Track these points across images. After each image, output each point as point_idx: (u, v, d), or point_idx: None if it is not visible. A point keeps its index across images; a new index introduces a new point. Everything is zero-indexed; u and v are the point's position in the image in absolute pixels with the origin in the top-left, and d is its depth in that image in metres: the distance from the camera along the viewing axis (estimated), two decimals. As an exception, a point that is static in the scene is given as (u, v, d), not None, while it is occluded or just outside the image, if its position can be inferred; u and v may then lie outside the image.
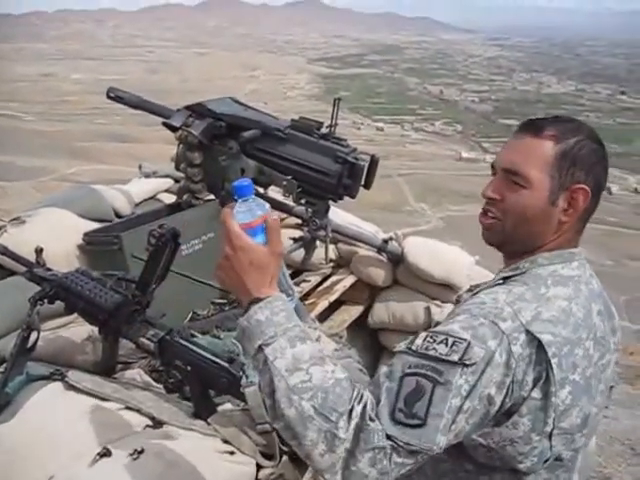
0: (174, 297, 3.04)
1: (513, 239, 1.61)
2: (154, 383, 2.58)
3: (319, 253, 3.60)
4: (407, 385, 1.34)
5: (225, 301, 3.43)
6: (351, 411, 1.32)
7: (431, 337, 1.40)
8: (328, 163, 2.54)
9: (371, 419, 1.31)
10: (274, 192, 3.20)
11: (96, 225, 3.47)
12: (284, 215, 3.87)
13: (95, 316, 2.42)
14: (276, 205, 3.33)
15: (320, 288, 4.17)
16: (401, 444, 1.30)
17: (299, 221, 3.73)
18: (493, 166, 1.65)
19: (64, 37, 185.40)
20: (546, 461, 1.50)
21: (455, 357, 1.35)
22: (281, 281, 1.53)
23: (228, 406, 2.36)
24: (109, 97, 3.03)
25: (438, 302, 4.10)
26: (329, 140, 2.59)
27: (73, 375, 2.31)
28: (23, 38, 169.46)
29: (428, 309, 4.10)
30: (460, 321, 1.43)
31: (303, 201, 2.64)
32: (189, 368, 2.28)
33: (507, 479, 1.54)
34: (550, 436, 1.46)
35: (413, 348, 1.40)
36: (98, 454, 1.96)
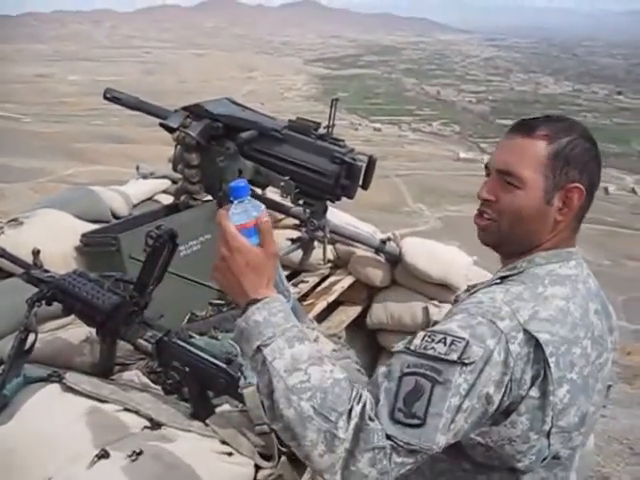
0: (172, 298, 3.03)
1: (509, 239, 1.61)
2: (152, 384, 2.57)
3: (317, 254, 3.60)
4: (406, 385, 1.34)
5: (223, 302, 3.42)
6: (350, 411, 1.32)
7: (429, 336, 1.40)
8: (325, 164, 2.54)
9: (370, 419, 1.31)
10: (272, 193, 3.20)
11: (94, 226, 3.46)
12: (282, 216, 3.87)
13: (93, 318, 2.41)
14: (274, 206, 3.34)
15: (318, 289, 4.17)
16: (401, 444, 1.30)
17: (297, 222, 3.73)
18: (487, 167, 1.65)
19: (61, 38, 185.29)
20: (544, 460, 1.51)
21: (454, 356, 1.35)
22: (277, 282, 1.53)
23: (226, 407, 2.36)
24: (106, 98, 3.03)
25: (436, 302, 4.10)
26: (326, 141, 2.59)
27: (71, 377, 2.31)
28: (20, 39, 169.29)
29: (426, 309, 4.10)
30: (458, 320, 1.43)
31: (301, 202, 2.64)
32: (187, 369, 2.28)
33: (505, 478, 1.54)
34: (548, 435, 1.47)
35: (411, 348, 1.40)
36: (96, 456, 1.96)
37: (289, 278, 4.15)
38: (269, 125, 2.66)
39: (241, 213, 1.42)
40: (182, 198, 2.89)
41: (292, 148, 2.60)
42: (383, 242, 4.19)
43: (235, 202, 1.43)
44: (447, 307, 3.64)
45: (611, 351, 1.63)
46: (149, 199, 4.25)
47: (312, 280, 4.20)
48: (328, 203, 2.69)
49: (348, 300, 4.35)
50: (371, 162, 2.64)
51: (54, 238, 3.19)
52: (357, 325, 4.30)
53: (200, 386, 2.29)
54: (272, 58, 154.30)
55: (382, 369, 1.41)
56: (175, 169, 2.86)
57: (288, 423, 1.33)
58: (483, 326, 1.39)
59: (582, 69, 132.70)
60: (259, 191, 2.89)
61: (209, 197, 2.96)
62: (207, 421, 2.22)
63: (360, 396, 1.35)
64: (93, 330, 2.50)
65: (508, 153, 1.59)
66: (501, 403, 1.40)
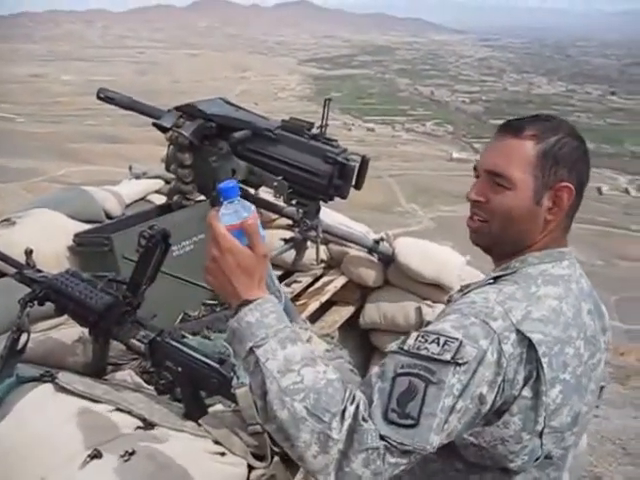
0: (165, 298, 3.03)
1: (501, 240, 1.61)
2: (145, 384, 2.57)
3: (310, 254, 3.60)
4: (400, 385, 1.34)
5: (216, 302, 3.43)
6: (344, 411, 1.32)
7: (423, 337, 1.40)
8: (318, 164, 2.54)
9: (364, 419, 1.31)
10: (265, 193, 3.20)
11: (86, 226, 3.46)
12: (275, 216, 3.87)
13: (85, 318, 2.41)
14: (267, 206, 3.34)
15: (311, 289, 4.17)
16: (394, 444, 1.30)
17: (290, 222, 3.73)
18: (476, 168, 1.65)
19: (54, 38, 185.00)
20: (537, 460, 1.51)
21: (447, 356, 1.35)
22: (268, 283, 1.52)
23: (219, 407, 2.36)
24: (99, 98, 3.01)
25: (429, 302, 4.10)
26: (320, 141, 2.59)
27: (63, 377, 2.30)
28: (13, 39, 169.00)
29: (419, 309, 4.10)
30: (451, 320, 1.43)
31: (294, 202, 2.63)
32: (180, 369, 2.28)
33: (497, 478, 1.54)
34: (541, 435, 1.47)
35: (405, 348, 1.40)
36: (89, 456, 1.96)
37: (282, 278, 4.15)
38: (262, 125, 2.65)
39: (231, 214, 1.41)
40: (175, 198, 2.88)
41: (285, 148, 2.60)
42: (376, 242, 4.19)
43: (225, 203, 1.43)
44: (440, 307, 3.64)
45: (604, 351, 1.64)
46: (142, 199, 4.24)
47: (305, 280, 4.20)
48: (321, 203, 2.68)
49: (341, 300, 4.35)
50: (364, 162, 2.63)
51: (47, 238, 3.18)
52: (350, 325, 4.30)
53: (193, 386, 2.29)
54: (266, 58, 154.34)
55: (375, 370, 1.41)
56: (168, 169, 2.85)
57: (281, 424, 1.33)
58: (476, 326, 1.39)
59: (575, 69, 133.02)
60: (252, 191, 2.88)
61: (202, 197, 2.95)
62: (200, 421, 2.22)
63: (353, 397, 1.35)
64: (86, 330, 2.50)
65: (497, 154, 1.59)
66: (494, 403, 1.40)
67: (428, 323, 1.55)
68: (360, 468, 1.29)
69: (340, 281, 4.27)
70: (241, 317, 1.39)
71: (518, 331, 1.41)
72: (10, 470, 2.00)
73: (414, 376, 1.34)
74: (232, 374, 2.18)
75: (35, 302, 2.42)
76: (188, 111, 2.73)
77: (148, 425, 2.19)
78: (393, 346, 1.44)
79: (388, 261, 4.21)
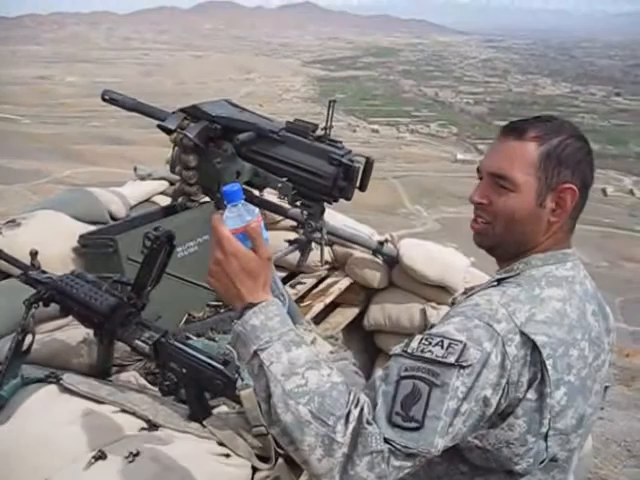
0: (169, 299, 3.03)
1: (504, 242, 1.61)
2: (149, 386, 2.57)
3: (314, 255, 3.59)
4: (404, 388, 1.34)
5: (220, 303, 3.43)
6: (348, 415, 1.31)
7: (426, 340, 1.40)
8: (323, 165, 2.53)
9: (368, 422, 1.31)
10: (270, 194, 3.20)
11: (91, 228, 3.46)
12: (279, 217, 3.87)
13: (90, 319, 2.41)
14: (271, 207, 3.33)
15: (315, 290, 4.17)
16: (399, 447, 1.30)
17: (294, 223, 3.73)
18: (479, 170, 1.65)
19: (59, 40, 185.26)
20: (542, 462, 1.50)
21: (451, 359, 1.34)
22: (272, 286, 1.52)
23: (223, 409, 2.36)
24: (104, 99, 3.02)
25: (434, 304, 4.10)
26: (324, 142, 2.58)
27: (68, 378, 2.31)
28: (18, 41, 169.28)
29: (424, 311, 4.10)
30: (455, 323, 1.42)
31: (298, 203, 2.63)
32: (184, 371, 2.27)
33: (502, 481, 1.54)
34: (546, 437, 1.46)
35: (409, 351, 1.39)
36: (93, 457, 1.96)
37: (287, 279, 4.15)
38: (267, 127, 2.65)
39: (235, 217, 1.41)
40: (180, 200, 2.88)
41: (290, 150, 2.59)
42: (380, 244, 4.19)
43: (229, 206, 1.42)
44: (445, 309, 3.64)
45: (608, 352, 1.63)
46: (147, 201, 4.25)
47: (310, 282, 4.20)
48: (325, 205, 2.68)
49: (345, 302, 4.35)
50: (368, 164, 2.63)
51: (52, 239, 3.19)
52: (354, 327, 4.30)
53: (197, 387, 2.28)
54: (270, 60, 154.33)
55: (379, 372, 1.41)
56: (173, 171, 2.85)
57: (285, 427, 1.33)
58: (480, 329, 1.39)
59: (580, 70, 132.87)
60: (257, 193, 2.88)
61: (207, 199, 2.95)
62: (204, 423, 2.22)
63: (358, 400, 1.35)
64: (90, 331, 2.50)
65: (499, 156, 1.59)
66: (498, 406, 1.40)
67: (432, 325, 1.55)
68: (364, 471, 1.29)
69: (344, 283, 4.28)
70: (245, 320, 1.39)
71: (522, 333, 1.41)
72: (14, 470, 2.00)
73: (418, 379, 1.34)
74: (236, 376, 2.18)
75: (40, 303, 2.43)
76: (193, 113, 2.73)
77: (152, 426, 2.19)
78: (397, 349, 1.43)
79: (392, 263, 4.21)
